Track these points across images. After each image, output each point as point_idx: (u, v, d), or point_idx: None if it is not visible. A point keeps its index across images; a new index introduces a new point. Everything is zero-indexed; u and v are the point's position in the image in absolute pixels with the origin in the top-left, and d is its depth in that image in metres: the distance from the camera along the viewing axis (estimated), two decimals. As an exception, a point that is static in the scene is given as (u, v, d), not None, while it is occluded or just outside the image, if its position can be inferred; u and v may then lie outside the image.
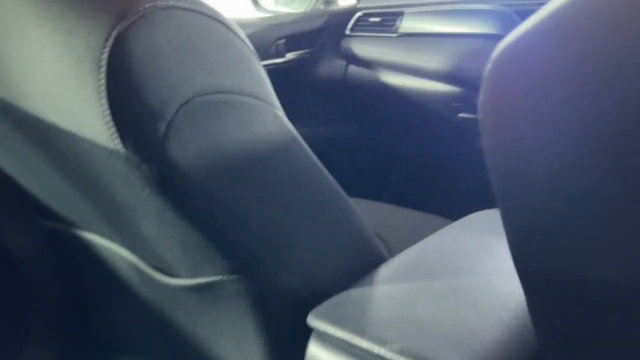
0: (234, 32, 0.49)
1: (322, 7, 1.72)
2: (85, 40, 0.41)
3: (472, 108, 1.40)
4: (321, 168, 0.58)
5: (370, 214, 1.22)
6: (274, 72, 1.44)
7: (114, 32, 0.40)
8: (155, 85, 0.42)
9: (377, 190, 1.84)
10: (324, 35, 1.55)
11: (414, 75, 1.41)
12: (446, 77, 1.33)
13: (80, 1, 0.42)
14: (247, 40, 0.51)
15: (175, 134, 0.44)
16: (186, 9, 0.44)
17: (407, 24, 1.42)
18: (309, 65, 1.54)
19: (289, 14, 1.54)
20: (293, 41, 1.48)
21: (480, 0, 1.28)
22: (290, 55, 1.47)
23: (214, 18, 0.46)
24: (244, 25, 1.42)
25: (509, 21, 1.21)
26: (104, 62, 0.40)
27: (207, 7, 0.46)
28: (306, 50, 1.52)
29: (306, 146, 0.56)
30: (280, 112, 0.53)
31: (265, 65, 1.42)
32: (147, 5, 0.41)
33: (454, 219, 1.18)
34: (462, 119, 1.44)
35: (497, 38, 1.23)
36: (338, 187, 0.61)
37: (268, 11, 1.76)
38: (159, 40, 0.42)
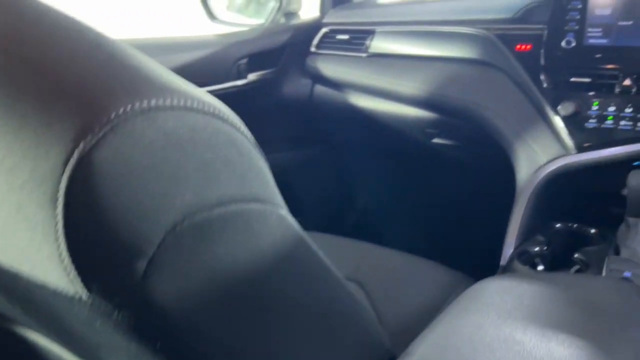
0: (233, 125, 0.38)
1: (282, 19, 1.61)
2: (38, 164, 0.29)
3: (447, 134, 1.33)
4: (327, 266, 0.49)
5: (346, 254, 1.14)
6: (235, 95, 1.32)
7: (76, 152, 0.29)
8: (132, 216, 0.31)
9: (345, 213, 1.76)
10: (287, 52, 1.44)
11: (386, 98, 1.33)
12: (421, 103, 1.26)
13: (33, 109, 0.30)
14: (247, 132, 0.40)
15: (159, 271, 0.33)
16: (173, 108, 0.33)
17: (379, 44, 1.33)
18: (272, 85, 1.43)
19: (250, 30, 1.42)
20: (255, 60, 1.36)
21: (459, 23, 1.20)
22: (252, 76, 1.36)
23: (209, 113, 0.36)
24: (202, 44, 1.29)
25: (490, 46, 1.14)
26: (61, 193, 0.29)
27: (199, 99, 0.35)
28: (269, 70, 1.40)
29: (312, 245, 0.47)
30: (284, 211, 0.43)
31: (225, 88, 1.33)
32: (121, 111, 0.30)
33: (429, 255, 1.12)
34: (436, 144, 1.38)
35: (477, 63, 1.19)
36: (344, 283, 0.52)
37: (224, 22, 1.63)
38: (136, 157, 0.31)
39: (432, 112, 1.26)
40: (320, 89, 1.47)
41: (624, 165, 0.98)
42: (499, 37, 1.13)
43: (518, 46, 1.10)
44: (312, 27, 1.47)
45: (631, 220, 0.90)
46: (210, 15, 1.59)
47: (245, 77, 1.34)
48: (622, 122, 0.96)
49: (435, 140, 1.37)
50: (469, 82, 1.17)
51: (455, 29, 1.20)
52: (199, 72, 1.23)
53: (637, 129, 0.95)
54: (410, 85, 1.25)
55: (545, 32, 1.04)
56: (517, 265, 0.88)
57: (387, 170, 1.58)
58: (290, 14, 1.58)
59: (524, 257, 0.91)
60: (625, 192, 0.93)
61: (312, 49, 1.46)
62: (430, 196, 1.56)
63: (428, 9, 1.30)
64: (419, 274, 1.05)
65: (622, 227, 0.92)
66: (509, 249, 0.97)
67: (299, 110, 1.50)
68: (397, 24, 1.31)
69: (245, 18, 1.71)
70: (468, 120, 1.17)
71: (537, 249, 0.93)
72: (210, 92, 1.29)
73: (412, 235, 1.61)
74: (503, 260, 0.95)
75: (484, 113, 1.13)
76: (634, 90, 0.96)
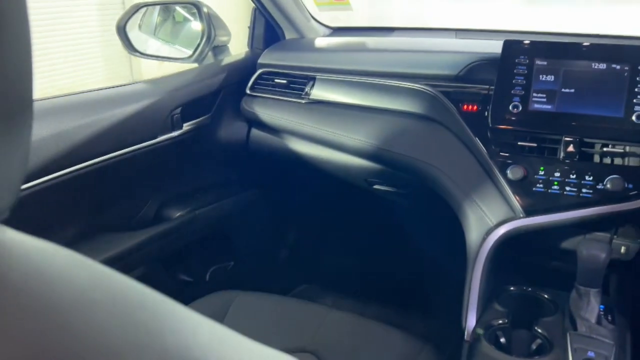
0: None
1: (207, 50, 1.51)
2: None
3: (391, 184, 1.33)
4: None
5: (303, 320, 1.10)
6: (171, 147, 1.22)
7: None
8: None
9: (283, 258, 1.71)
10: (222, 95, 1.35)
11: (327, 147, 1.29)
12: (365, 155, 1.23)
13: None
14: None
15: None
16: None
17: (320, 92, 1.29)
18: (208, 131, 1.34)
19: (182, 74, 1.31)
20: (189, 108, 1.26)
21: (403, 76, 1.19)
22: (187, 126, 1.26)
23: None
24: (133, 96, 1.17)
25: (436, 103, 1.14)
26: None
27: None
28: (204, 117, 1.31)
29: None
30: None
31: (161, 141, 1.22)
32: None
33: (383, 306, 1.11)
34: (378, 190, 1.37)
35: (424, 119, 1.18)
36: None
37: (145, 55, 1.50)
38: None
39: (374, 163, 1.24)
40: (257, 132, 1.40)
41: (571, 229, 1.03)
42: (445, 95, 1.13)
43: (465, 106, 1.10)
44: (247, 68, 1.39)
45: (582, 289, 0.94)
46: (130, 47, 1.45)
47: (180, 127, 1.24)
48: (567, 188, 1.00)
49: (377, 187, 1.35)
50: (416, 138, 1.17)
51: (401, 83, 1.18)
52: (132, 128, 1.12)
53: (581, 194, 0.99)
54: (354, 136, 1.22)
55: (492, 93, 1.06)
56: (485, 345, 0.89)
57: (327, 215, 1.56)
58: (219, 47, 1.48)
59: (489, 333, 0.93)
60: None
61: (248, 91, 1.38)
62: (376, 243, 1.56)
63: (371, 59, 1.27)
64: (379, 342, 1.04)
65: (574, 294, 0.96)
66: (471, 318, 0.98)
67: (237, 155, 1.42)
68: (339, 72, 1.27)
69: (167, 48, 1.59)
70: (415, 175, 1.17)
71: (500, 321, 0.95)
72: (145, 147, 1.18)
73: (356, 284, 1.61)
74: (467, 334, 0.95)
75: (432, 171, 1.13)
76: (577, 157, 1.00)
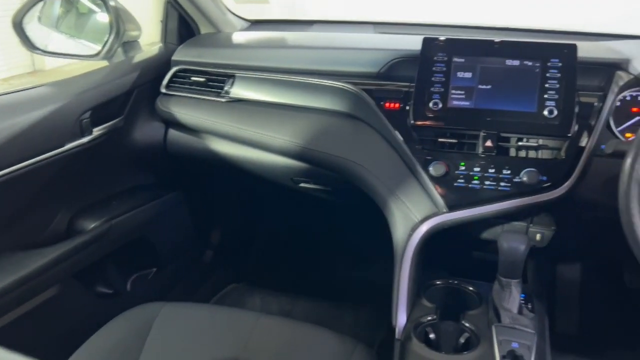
0: None
1: (117, 46, 1.41)
2: None
3: (318, 182, 1.31)
4: None
5: (235, 328, 1.06)
6: (82, 154, 1.13)
7: None
8: None
9: (206, 258, 1.66)
10: (135, 96, 1.27)
11: (250, 146, 1.26)
12: (290, 154, 1.21)
13: None
14: None
15: None
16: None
17: (240, 90, 1.24)
18: (122, 134, 1.25)
19: (91, 74, 1.21)
20: (100, 111, 1.18)
21: (325, 74, 1.17)
22: (98, 131, 1.17)
23: None
24: (37, 100, 1.07)
25: (358, 101, 1.13)
26: None
27: None
28: (116, 120, 1.23)
29: None
30: None
31: (69, 149, 1.13)
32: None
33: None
34: (304, 188, 1.35)
35: (347, 117, 1.17)
36: None
37: (47, 52, 1.38)
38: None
39: (301, 162, 1.23)
40: (175, 134, 1.34)
41: (491, 220, 1.07)
42: (367, 93, 1.13)
43: (387, 104, 1.10)
44: (161, 65, 1.32)
45: (504, 280, 0.98)
46: (28, 44, 1.33)
47: (90, 132, 1.15)
48: (487, 182, 1.03)
49: (304, 185, 1.34)
50: (340, 136, 1.16)
51: (323, 81, 1.16)
52: (36, 137, 1.02)
53: (499, 188, 1.03)
54: (277, 136, 1.19)
55: (412, 91, 1.07)
56: (415, 344, 0.90)
57: (254, 214, 1.53)
58: (130, 43, 1.39)
59: (418, 331, 0.94)
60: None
61: (163, 90, 1.31)
62: (305, 240, 1.54)
63: (292, 56, 1.24)
64: (311, 344, 1.03)
65: (496, 285, 0.99)
66: (401, 315, 0.99)
67: (154, 158, 1.35)
68: (259, 69, 1.23)
69: (72, 44, 1.47)
70: (340, 173, 1.16)
71: (428, 317, 0.97)
72: (52, 157, 1.09)
73: (286, 282, 1.59)
74: (398, 333, 0.96)
75: (356, 169, 1.12)
76: (495, 151, 1.03)
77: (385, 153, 1.11)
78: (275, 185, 1.40)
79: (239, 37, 1.40)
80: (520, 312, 0.95)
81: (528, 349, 0.84)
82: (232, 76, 1.25)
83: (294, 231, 1.62)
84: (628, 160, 0.83)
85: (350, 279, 1.51)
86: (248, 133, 1.22)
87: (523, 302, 0.99)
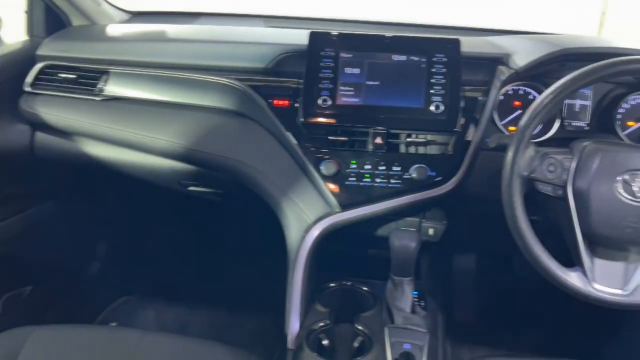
0: None
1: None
2: None
3: (207, 184, 1.23)
4: None
5: (117, 348, 0.96)
6: None
7: None
8: None
9: (91, 271, 1.52)
10: (-8, 95, 1.12)
11: (131, 149, 1.15)
12: (175, 156, 1.12)
13: None
14: None
15: None
16: None
17: (116, 87, 1.13)
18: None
19: None
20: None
21: (209, 69, 1.09)
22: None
23: None
24: None
25: (246, 98, 1.07)
26: None
27: None
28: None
29: None
30: None
31: None
32: None
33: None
34: (194, 192, 1.27)
35: (233, 114, 1.10)
36: None
37: None
38: None
39: (187, 165, 1.14)
40: (43, 137, 1.20)
41: (384, 217, 1.05)
42: (255, 89, 1.07)
43: (275, 101, 1.05)
44: (25, 60, 1.18)
45: (396, 279, 0.97)
46: None
47: None
48: (378, 180, 1.01)
49: (193, 189, 1.25)
50: (227, 135, 1.09)
51: (206, 77, 1.09)
52: None
53: (390, 185, 1.01)
54: (159, 137, 1.10)
55: (301, 87, 1.02)
56: (308, 354, 0.86)
57: (142, 220, 1.41)
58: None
59: (311, 339, 0.90)
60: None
61: (27, 88, 1.17)
62: (199, 246, 1.45)
63: (173, 50, 1.15)
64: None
65: (389, 285, 0.98)
66: (294, 323, 0.94)
67: (21, 164, 1.20)
68: (137, 64, 1.13)
69: None
70: (229, 174, 1.10)
71: (321, 323, 0.93)
72: None
73: (180, 291, 1.50)
74: (290, 342, 0.92)
75: (246, 170, 1.06)
76: (385, 148, 1.01)
77: (276, 152, 1.06)
78: (164, 190, 1.30)
79: (115, 29, 1.28)
80: (413, 310, 0.94)
81: (420, 349, 0.83)
82: (106, 72, 1.14)
83: (188, 237, 1.53)
84: (509, 154, 0.84)
85: (250, 285, 1.45)
86: (127, 134, 1.12)
87: (416, 299, 0.98)
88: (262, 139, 1.06)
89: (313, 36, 1.03)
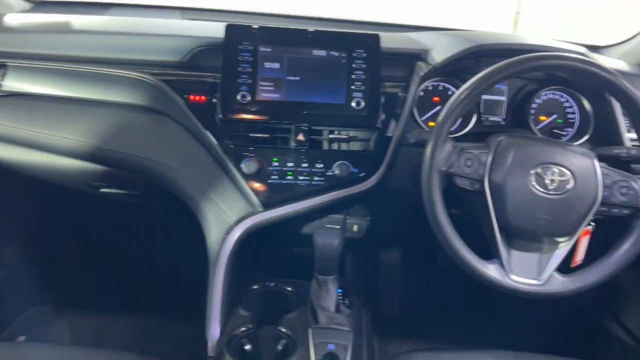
0: None
1: None
2: None
3: (118, 186, 1.16)
4: None
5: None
6: None
7: None
8: None
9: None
10: None
11: (32, 148, 1.06)
12: (81, 156, 1.04)
13: None
14: None
15: None
16: None
17: (14, 83, 1.04)
18: None
19: None
20: None
21: (119, 63, 1.02)
22: None
23: None
24: None
25: (159, 93, 1.01)
26: None
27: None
28: None
29: None
30: None
31: None
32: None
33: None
34: (106, 194, 1.19)
35: (147, 111, 1.04)
36: None
37: None
38: None
39: (98, 165, 1.07)
40: None
41: (309, 215, 1.03)
42: (169, 84, 1.01)
43: (192, 96, 1.00)
44: None
45: (320, 278, 0.95)
46: None
47: None
48: (301, 177, 0.99)
49: (105, 191, 1.18)
50: (140, 133, 1.02)
51: (116, 71, 1.02)
52: None
53: (313, 182, 0.99)
54: (65, 135, 1.02)
55: (219, 82, 0.98)
56: (228, 359, 0.82)
57: (52, 224, 1.31)
58: None
59: (233, 344, 0.86)
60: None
61: None
62: (115, 250, 1.37)
63: (79, 42, 1.06)
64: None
65: (314, 284, 0.96)
66: (214, 329, 0.90)
67: None
68: (38, 57, 1.04)
69: None
70: (144, 174, 1.04)
71: (243, 329, 0.89)
72: None
73: (95, 298, 1.41)
74: (210, 349, 0.88)
75: (162, 169, 1.01)
76: (307, 145, 0.99)
77: (194, 151, 1.01)
78: (74, 192, 1.21)
79: (13, 19, 1.17)
80: (337, 309, 0.93)
81: (344, 349, 0.82)
82: (3, 66, 1.04)
83: (103, 242, 1.44)
84: (428, 150, 0.84)
85: (172, 290, 1.38)
86: (29, 133, 1.03)
87: (340, 297, 0.97)
88: (178, 137, 1.01)
89: (230, 29, 0.99)
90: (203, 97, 1.00)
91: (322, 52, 1.00)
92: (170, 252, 1.35)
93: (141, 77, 1.01)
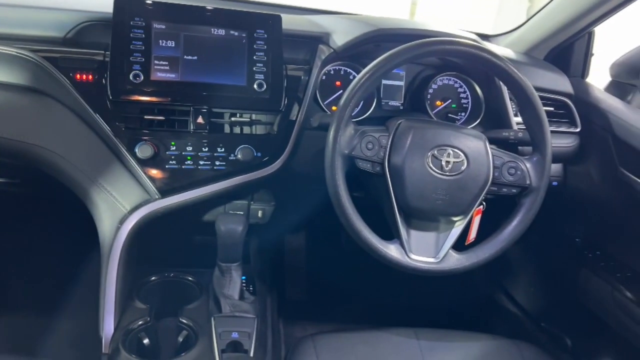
0: None
1: None
2: None
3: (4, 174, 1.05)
4: None
5: None
6: None
7: None
8: None
9: None
10: None
11: None
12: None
13: None
14: None
15: None
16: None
17: None
18: None
19: None
20: None
21: None
22: None
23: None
24: None
25: (41, 72, 0.92)
26: None
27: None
28: None
29: None
30: None
31: None
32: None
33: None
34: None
35: (26, 91, 0.94)
36: None
37: None
38: None
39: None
40: None
41: (211, 201, 0.99)
42: (52, 62, 0.92)
43: (78, 75, 0.92)
44: None
45: (223, 265, 0.92)
46: None
47: None
48: (201, 162, 0.95)
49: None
50: (19, 115, 0.93)
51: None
52: None
53: (215, 167, 0.96)
54: None
55: (108, 61, 0.91)
56: (125, 356, 0.77)
57: None
58: None
59: (130, 339, 0.81)
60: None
61: None
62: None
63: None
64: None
65: (216, 272, 0.93)
66: (108, 324, 0.85)
67: None
68: None
69: None
70: (26, 161, 0.94)
71: (140, 322, 0.84)
72: None
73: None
74: (105, 345, 0.82)
75: (46, 155, 0.92)
76: (207, 128, 0.95)
77: (82, 135, 0.93)
78: None
79: None
80: (241, 296, 0.91)
81: (248, 337, 0.80)
82: None
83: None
84: (331, 133, 0.84)
85: (62, 286, 1.28)
86: None
87: (244, 285, 0.95)
88: (63, 119, 0.93)
89: (119, 3, 0.91)
90: (90, 76, 0.92)
91: (221, 31, 0.96)
92: (61, 244, 1.24)
93: (20, 53, 0.91)
